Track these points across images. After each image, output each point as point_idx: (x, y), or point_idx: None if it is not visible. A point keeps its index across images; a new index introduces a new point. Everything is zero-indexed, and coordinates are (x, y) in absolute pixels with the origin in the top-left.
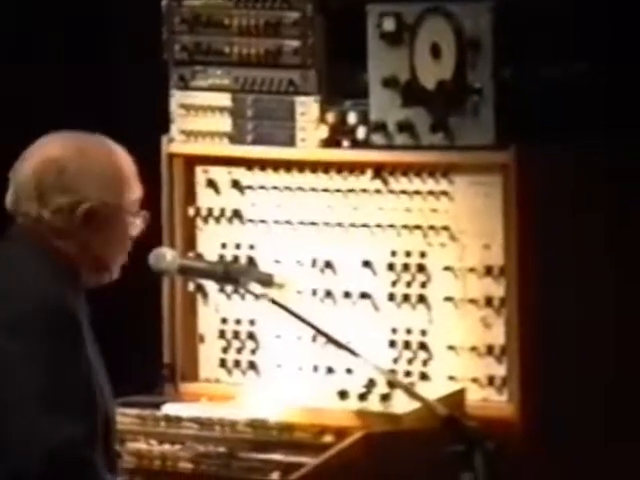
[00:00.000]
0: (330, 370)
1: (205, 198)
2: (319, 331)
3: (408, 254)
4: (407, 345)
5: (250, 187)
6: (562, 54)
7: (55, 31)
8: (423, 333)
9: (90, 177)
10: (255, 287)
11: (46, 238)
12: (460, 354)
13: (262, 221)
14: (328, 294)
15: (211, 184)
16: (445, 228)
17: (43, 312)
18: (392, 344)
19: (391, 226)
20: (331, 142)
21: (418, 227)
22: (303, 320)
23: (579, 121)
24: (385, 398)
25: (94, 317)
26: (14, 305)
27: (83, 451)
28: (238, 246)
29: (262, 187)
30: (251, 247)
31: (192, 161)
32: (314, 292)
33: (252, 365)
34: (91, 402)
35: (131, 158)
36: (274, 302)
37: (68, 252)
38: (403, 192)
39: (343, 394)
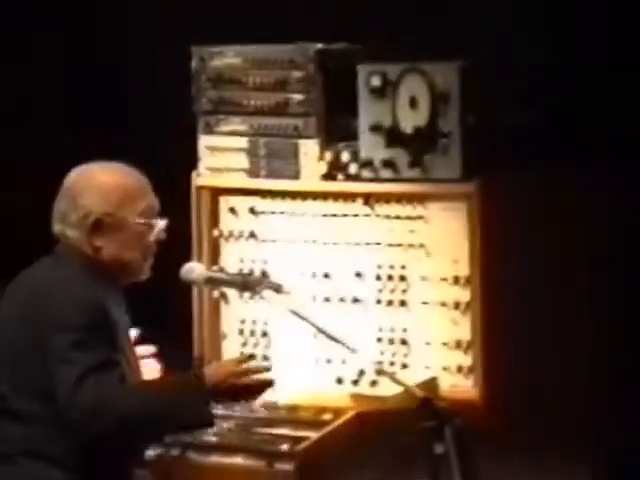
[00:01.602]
0: (329, 361)
1: (227, 222)
2: (320, 329)
3: (392, 266)
4: (391, 341)
5: (263, 212)
6: (516, 103)
7: (104, 89)
8: (404, 331)
9: (92, 194)
10: (268, 294)
11: (76, 250)
12: (434, 348)
13: (273, 240)
14: (326, 299)
15: (232, 210)
16: (421, 245)
17: (81, 310)
18: (379, 340)
19: (377, 244)
20: (328, 176)
21: (399, 245)
22: (307, 320)
23: (529, 158)
24: (373, 384)
25: (138, 319)
26: (60, 306)
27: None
28: (253, 261)
29: (273, 212)
30: (264, 262)
31: (216, 192)
32: (315, 298)
33: (265, 357)
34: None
35: (142, 177)
36: (283, 306)
37: (94, 258)
38: (387, 216)
39: (339, 380)
